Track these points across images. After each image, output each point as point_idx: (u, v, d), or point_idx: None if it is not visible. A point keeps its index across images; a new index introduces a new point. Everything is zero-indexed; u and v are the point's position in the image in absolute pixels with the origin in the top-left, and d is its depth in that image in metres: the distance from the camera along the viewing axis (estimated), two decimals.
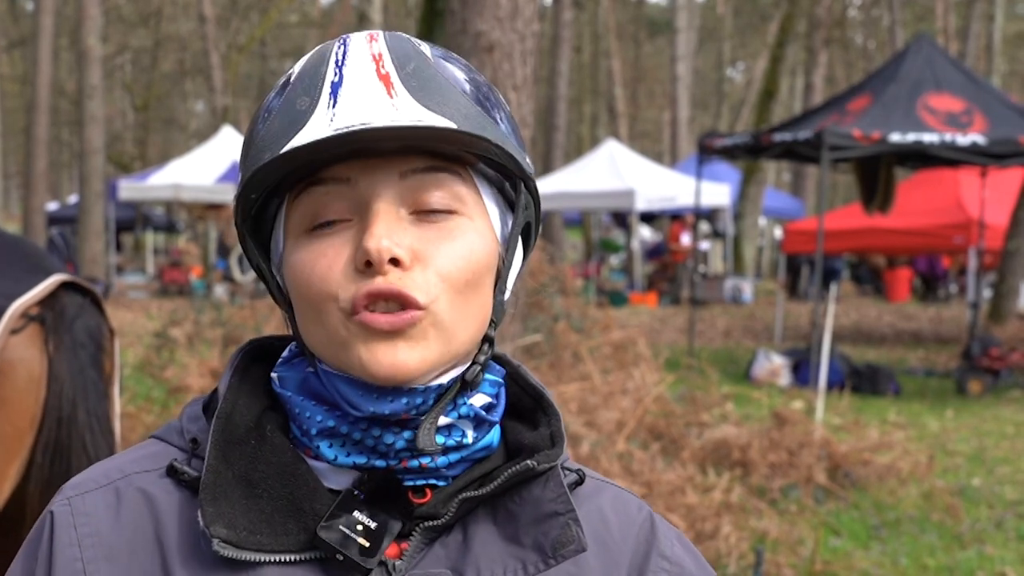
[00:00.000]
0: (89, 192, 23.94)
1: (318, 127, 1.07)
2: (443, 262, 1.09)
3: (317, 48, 1.15)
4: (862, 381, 13.07)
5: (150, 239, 34.95)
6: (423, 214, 1.10)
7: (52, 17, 24.71)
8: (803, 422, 8.68)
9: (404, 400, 1.09)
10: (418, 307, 1.07)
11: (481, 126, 1.10)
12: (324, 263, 1.08)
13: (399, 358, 1.07)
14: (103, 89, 25.52)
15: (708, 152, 15.49)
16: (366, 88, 1.08)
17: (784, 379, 13.43)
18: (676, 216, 26.87)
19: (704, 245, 28.52)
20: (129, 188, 25.24)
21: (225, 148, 25.56)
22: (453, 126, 1.07)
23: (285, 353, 1.20)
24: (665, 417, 8.53)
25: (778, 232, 31.98)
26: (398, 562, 1.10)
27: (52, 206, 34.24)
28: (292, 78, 1.13)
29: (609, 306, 13.86)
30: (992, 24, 38.18)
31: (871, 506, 7.94)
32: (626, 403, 8.14)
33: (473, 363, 1.14)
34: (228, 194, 23.80)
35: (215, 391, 1.21)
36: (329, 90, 1.09)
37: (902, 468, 8.61)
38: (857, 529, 7.42)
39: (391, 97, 1.08)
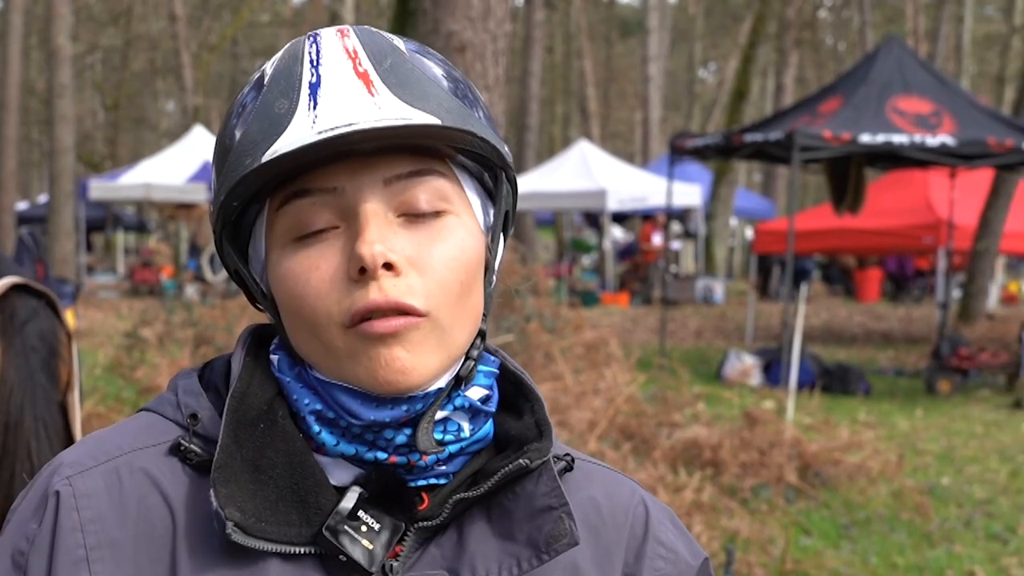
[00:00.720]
0: (59, 192, 23.78)
1: (300, 131, 1.04)
2: (438, 266, 1.07)
3: (287, 46, 1.12)
4: (832, 381, 13.12)
5: (121, 239, 34.78)
6: (412, 217, 1.08)
7: (21, 16, 24.56)
8: (774, 422, 8.71)
9: (404, 407, 1.07)
10: (419, 315, 1.05)
11: (463, 119, 1.08)
12: (317, 276, 1.06)
13: (400, 366, 1.05)
14: (73, 88, 25.36)
15: (679, 152, 15.52)
16: (346, 87, 1.06)
17: (755, 379, 13.47)
18: (648, 216, 26.93)
19: (676, 245, 28.59)
20: (100, 188, 25.13)
21: (196, 148, 25.47)
22: (438, 122, 1.05)
23: (278, 339, 1.18)
24: (636, 417, 8.55)
25: (749, 232, 32.09)
26: (394, 563, 1.09)
27: (22, 205, 34.08)
28: (266, 79, 1.09)
29: (581, 306, 13.91)
30: (961, 26, 38.40)
31: (841, 505, 7.97)
32: (598, 403, 8.17)
33: (467, 359, 1.13)
34: (199, 194, 23.73)
35: (206, 365, 1.19)
36: (308, 91, 1.06)
37: (872, 467, 8.65)
38: (827, 528, 7.45)
39: (372, 95, 1.05)
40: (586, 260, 34.13)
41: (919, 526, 7.58)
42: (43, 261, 18.62)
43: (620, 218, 31.63)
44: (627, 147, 54.97)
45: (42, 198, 36.55)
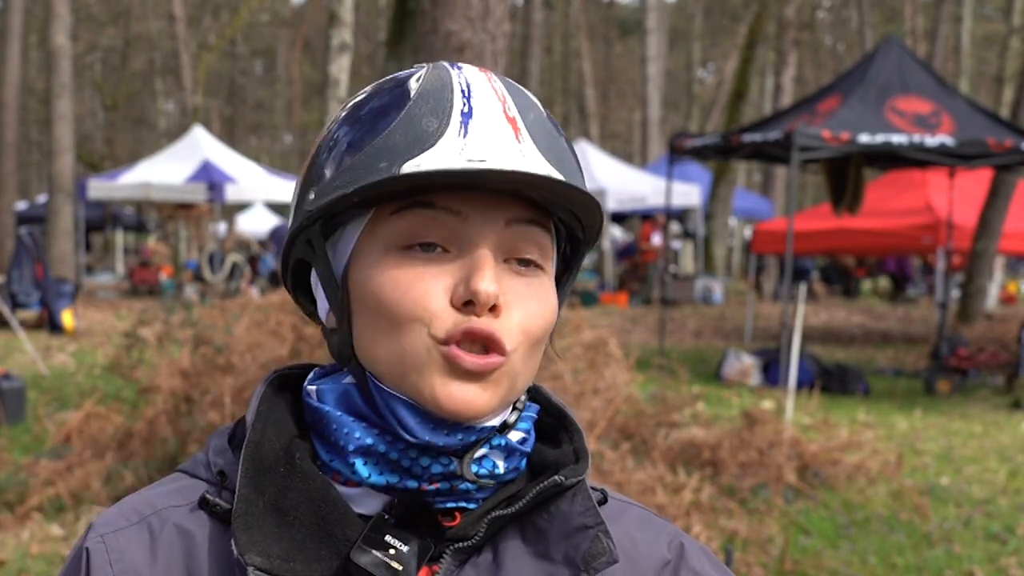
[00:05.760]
0: (58, 191, 23.82)
1: (448, 153, 1.08)
2: (528, 319, 1.12)
3: (431, 69, 1.15)
4: (832, 381, 13.13)
5: (120, 238, 34.79)
6: (515, 264, 1.12)
7: (21, 15, 24.57)
8: (773, 422, 8.71)
9: (459, 436, 1.10)
10: (503, 353, 1.09)
11: (582, 183, 1.15)
12: (421, 287, 1.09)
13: (471, 397, 1.08)
14: (72, 88, 25.38)
15: (678, 152, 15.53)
16: (495, 127, 1.10)
17: (754, 379, 13.48)
18: (647, 216, 26.95)
19: (675, 245, 28.59)
20: (99, 187, 25.13)
21: (195, 147, 25.47)
22: (578, 185, 1.11)
23: (315, 373, 1.22)
24: (636, 417, 8.55)
25: (749, 232, 32.08)
26: None
27: (21, 205, 34.05)
28: (412, 94, 1.12)
29: (580, 306, 13.86)
30: (960, 26, 38.41)
31: (840, 505, 7.97)
32: (597, 403, 8.16)
33: (513, 408, 1.17)
34: (198, 194, 23.72)
35: (238, 422, 1.22)
36: (459, 119, 1.09)
37: (871, 467, 8.65)
38: (826, 528, 7.45)
39: (519, 142, 1.10)
40: (585, 260, 34.09)
41: (918, 526, 7.58)
42: (42, 261, 18.68)
43: (619, 218, 31.64)
44: (626, 147, 54.99)
45: (41, 198, 36.54)
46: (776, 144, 13.28)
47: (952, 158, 13.59)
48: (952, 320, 17.65)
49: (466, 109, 1.10)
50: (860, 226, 17.33)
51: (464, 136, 1.08)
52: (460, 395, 1.08)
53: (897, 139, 12.67)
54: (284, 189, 25.42)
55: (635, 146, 49.03)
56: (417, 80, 1.13)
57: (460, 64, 1.16)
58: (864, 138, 12.56)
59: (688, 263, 30.63)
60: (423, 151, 1.08)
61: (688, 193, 24.41)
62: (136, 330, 10.07)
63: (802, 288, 12.26)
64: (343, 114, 1.16)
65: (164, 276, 26.25)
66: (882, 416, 11.77)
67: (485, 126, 1.09)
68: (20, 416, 10.29)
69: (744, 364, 13.70)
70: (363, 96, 1.16)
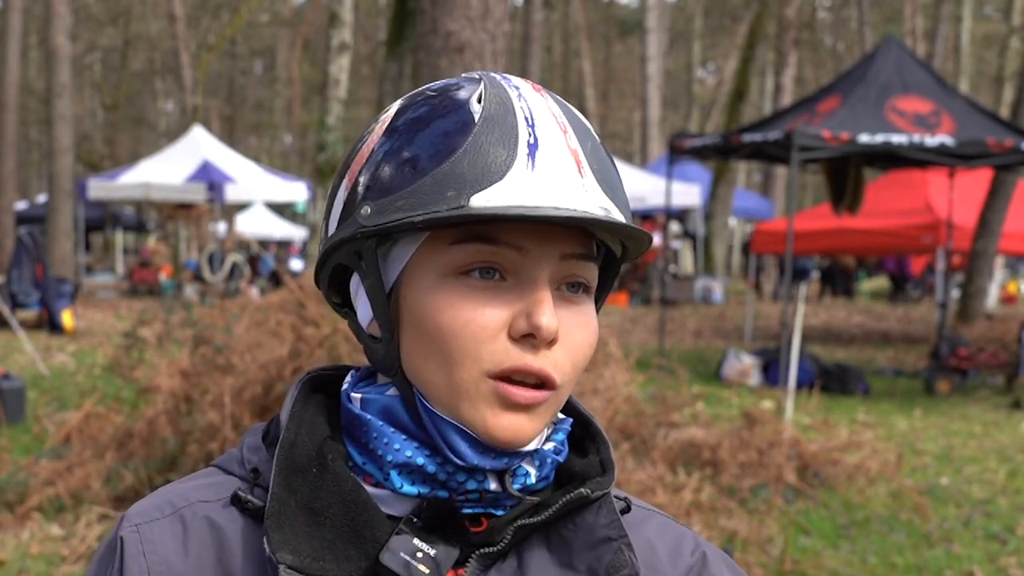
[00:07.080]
0: (58, 191, 23.82)
1: (517, 189, 1.08)
2: (577, 350, 1.14)
3: (487, 87, 1.13)
4: (831, 381, 13.13)
5: (119, 238, 34.79)
6: (567, 294, 1.14)
7: (21, 15, 24.57)
8: (773, 422, 8.71)
9: (506, 460, 1.13)
10: (554, 388, 1.12)
11: (631, 214, 1.16)
12: (480, 321, 1.10)
13: (521, 428, 1.11)
14: (72, 88, 25.38)
15: (678, 152, 15.52)
16: (560, 161, 1.11)
17: (754, 379, 13.48)
18: (647, 216, 26.94)
19: (675, 245, 28.59)
20: (98, 187, 25.13)
21: (195, 147, 25.46)
22: (634, 226, 1.12)
23: (352, 376, 1.23)
24: (636, 417, 8.55)
25: (748, 229, 32.08)
26: None
27: (21, 205, 34.05)
28: (476, 116, 1.11)
29: None
30: (960, 26, 38.44)
31: (840, 505, 7.97)
32: (597, 403, 8.15)
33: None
34: (198, 194, 23.72)
35: (272, 420, 1.24)
36: (527, 151, 1.10)
37: (871, 467, 8.65)
38: (826, 528, 7.45)
39: (581, 176, 1.11)
40: None
41: (918, 526, 7.57)
42: (42, 261, 18.68)
43: None
44: (626, 147, 55.00)
45: (41, 198, 36.53)
46: (776, 144, 13.27)
47: (952, 158, 13.58)
48: (952, 320, 17.65)
49: (532, 140, 1.10)
50: (860, 226, 17.34)
51: (532, 169, 1.09)
52: (511, 426, 1.10)
53: (897, 139, 12.66)
54: (284, 189, 25.42)
55: (635, 146, 49.04)
56: (479, 101, 1.12)
57: (510, 79, 1.16)
58: (864, 138, 12.56)
59: (688, 263, 30.62)
60: (492, 183, 1.08)
61: (688, 193, 24.41)
62: (136, 330, 10.08)
63: (802, 288, 12.26)
64: (398, 124, 1.15)
65: (164, 276, 26.28)
66: (882, 416, 11.77)
67: (551, 160, 1.10)
68: (20, 416, 10.30)
69: (744, 364, 13.70)
70: (417, 108, 1.15)
